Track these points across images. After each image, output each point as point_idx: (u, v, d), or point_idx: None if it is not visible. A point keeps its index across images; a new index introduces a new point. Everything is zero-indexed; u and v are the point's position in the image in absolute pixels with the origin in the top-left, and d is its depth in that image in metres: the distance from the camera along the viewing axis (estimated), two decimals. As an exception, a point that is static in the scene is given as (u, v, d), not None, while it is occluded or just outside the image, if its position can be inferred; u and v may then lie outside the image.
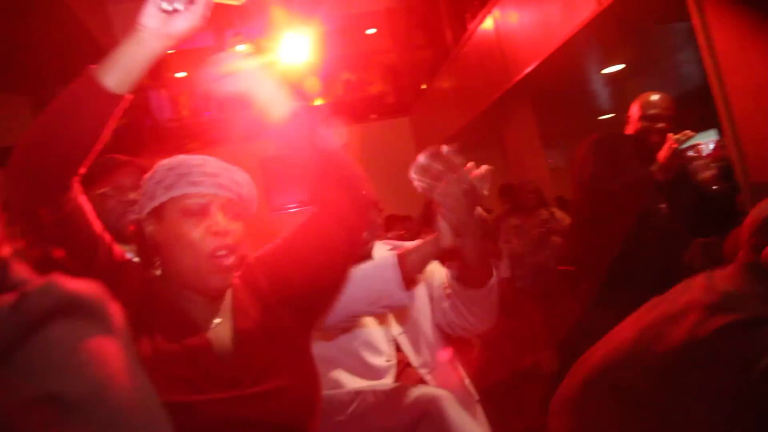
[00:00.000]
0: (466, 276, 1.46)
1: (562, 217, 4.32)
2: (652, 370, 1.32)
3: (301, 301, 1.18)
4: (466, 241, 1.38)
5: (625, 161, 2.48)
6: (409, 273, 1.36)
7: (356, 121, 8.32)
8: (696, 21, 2.63)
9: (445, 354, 1.68)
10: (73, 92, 1.01)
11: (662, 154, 2.34)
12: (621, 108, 6.82)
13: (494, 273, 1.47)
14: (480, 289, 1.46)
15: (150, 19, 0.99)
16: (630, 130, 2.57)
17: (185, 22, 1.01)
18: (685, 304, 1.33)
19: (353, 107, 8.75)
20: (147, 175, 1.17)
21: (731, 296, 1.29)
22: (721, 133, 2.85)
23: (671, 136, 2.33)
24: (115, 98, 1.02)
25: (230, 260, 1.12)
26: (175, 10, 0.99)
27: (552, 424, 1.50)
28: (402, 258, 1.37)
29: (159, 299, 1.12)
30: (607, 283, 2.56)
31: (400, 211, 5.73)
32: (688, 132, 2.30)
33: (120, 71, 1.01)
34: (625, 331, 1.45)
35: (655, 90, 2.59)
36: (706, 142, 2.95)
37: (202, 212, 1.11)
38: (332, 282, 1.22)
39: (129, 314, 1.04)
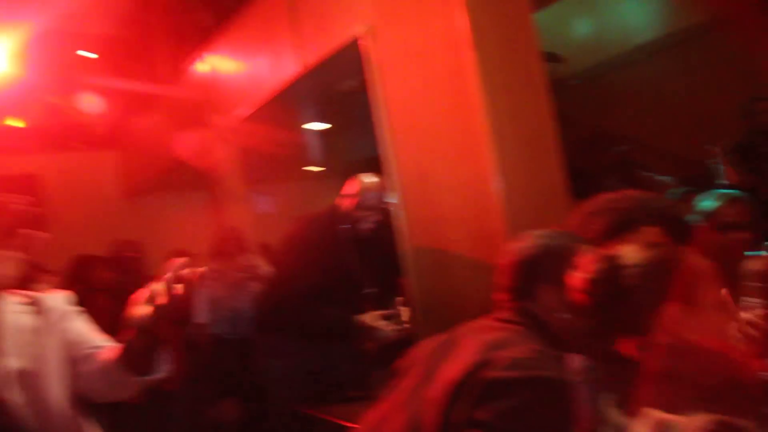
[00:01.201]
0: (135, 367, 1.47)
1: (263, 263, 4.40)
2: None
3: None
4: (147, 337, 1.41)
5: (338, 254, 2.58)
6: None
7: (57, 149, 7.55)
8: (372, 94, 2.97)
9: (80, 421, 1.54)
10: None
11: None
12: (326, 162, 7.32)
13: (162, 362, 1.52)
14: (145, 378, 1.49)
15: None
16: (345, 207, 2.64)
17: None
18: None
19: (55, 134, 7.90)
20: None
21: None
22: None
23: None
24: None
25: None
26: None
27: None
28: None
29: None
30: (291, 336, 2.66)
31: (97, 249, 5.26)
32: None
33: None
34: None
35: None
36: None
37: None
38: None
39: None
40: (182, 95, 5.85)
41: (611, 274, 1.13)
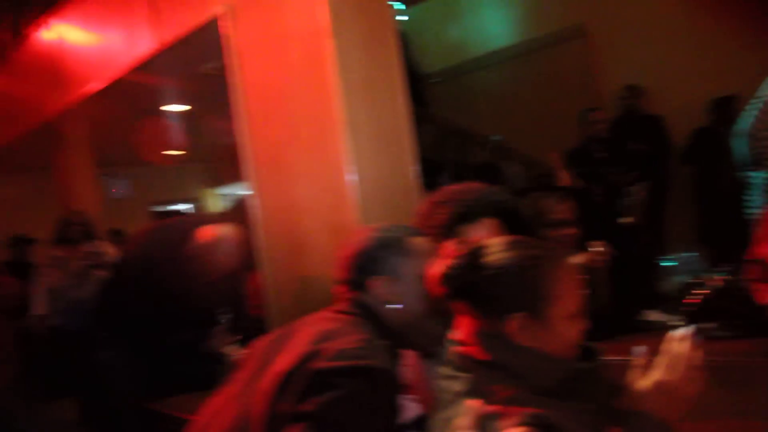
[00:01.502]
0: None
1: (111, 251, 4.15)
2: None
3: None
4: None
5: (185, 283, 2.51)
6: None
7: None
8: (230, 77, 2.89)
9: None
10: None
11: None
12: (187, 146, 7.03)
13: None
14: None
15: None
16: (199, 250, 2.55)
17: None
18: None
19: None
20: None
21: None
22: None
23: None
24: None
25: None
26: None
27: None
28: None
29: None
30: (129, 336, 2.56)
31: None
32: None
33: None
34: None
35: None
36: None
37: None
38: None
39: None
40: (24, 64, 5.35)
41: (469, 267, 1.12)
